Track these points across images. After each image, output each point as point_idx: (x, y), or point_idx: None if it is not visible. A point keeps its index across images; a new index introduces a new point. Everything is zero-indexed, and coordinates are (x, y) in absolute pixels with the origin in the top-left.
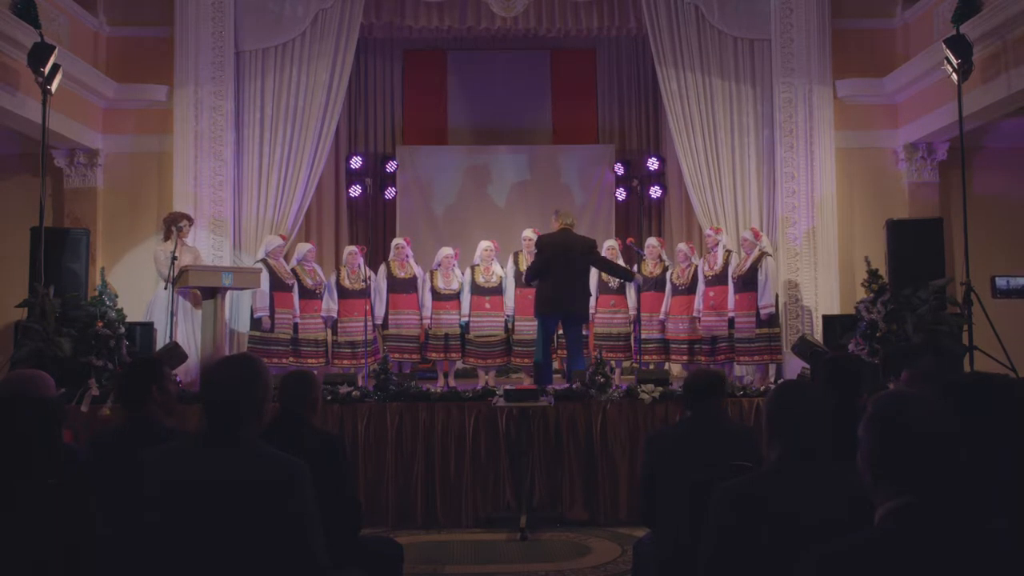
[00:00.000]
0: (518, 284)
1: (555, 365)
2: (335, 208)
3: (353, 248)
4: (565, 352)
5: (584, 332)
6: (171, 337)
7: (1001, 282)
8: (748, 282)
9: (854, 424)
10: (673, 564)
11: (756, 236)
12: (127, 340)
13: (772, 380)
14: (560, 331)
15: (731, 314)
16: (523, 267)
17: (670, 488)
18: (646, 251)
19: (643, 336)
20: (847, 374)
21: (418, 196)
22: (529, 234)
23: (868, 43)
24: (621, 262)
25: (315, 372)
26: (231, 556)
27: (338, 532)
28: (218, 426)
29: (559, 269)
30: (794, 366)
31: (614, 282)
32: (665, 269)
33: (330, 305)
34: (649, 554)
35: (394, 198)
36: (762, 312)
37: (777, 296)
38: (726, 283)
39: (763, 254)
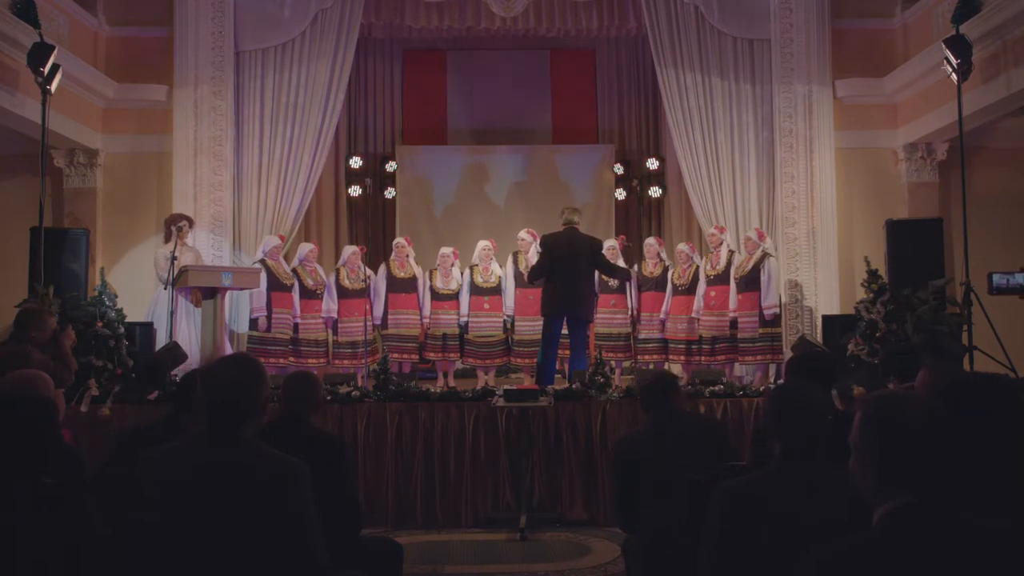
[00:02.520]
0: (518, 284)
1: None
2: (335, 208)
3: (353, 248)
4: (568, 352)
5: (585, 332)
6: (171, 337)
7: (999, 280)
8: (750, 282)
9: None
10: (662, 564)
11: (760, 237)
12: (127, 340)
13: (772, 380)
14: (563, 331)
15: (732, 314)
16: (523, 267)
17: (645, 490)
18: (645, 251)
19: (643, 336)
20: (816, 371)
21: (418, 196)
22: (524, 235)
23: (868, 43)
24: (621, 262)
25: (315, 372)
26: (231, 556)
27: (338, 532)
28: (218, 426)
29: (566, 270)
30: None
31: (614, 281)
32: (665, 269)
33: (330, 305)
34: (634, 553)
35: (394, 198)
36: (766, 312)
37: (780, 296)
38: (728, 283)
39: (765, 254)
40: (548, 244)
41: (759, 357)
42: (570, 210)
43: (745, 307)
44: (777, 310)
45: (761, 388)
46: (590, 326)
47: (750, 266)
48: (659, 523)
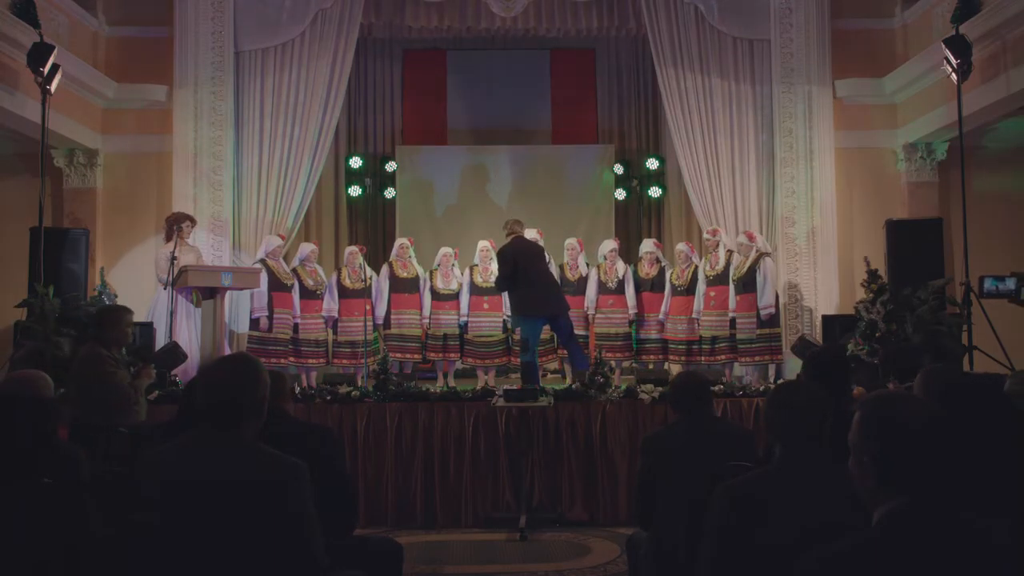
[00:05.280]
0: None
1: (555, 364)
2: (335, 208)
3: (354, 248)
4: (564, 351)
5: (585, 332)
6: (171, 337)
7: (991, 285)
8: (747, 283)
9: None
10: (672, 565)
11: (751, 239)
12: None
13: (772, 380)
14: (547, 332)
15: (732, 314)
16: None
17: (669, 489)
18: (642, 255)
19: (641, 336)
20: (834, 367)
21: (418, 196)
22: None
23: (868, 43)
24: (619, 263)
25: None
26: (231, 556)
27: (329, 524)
28: (218, 426)
29: (534, 273)
30: (794, 366)
31: (612, 282)
32: (661, 270)
33: (331, 305)
34: (645, 550)
35: (394, 198)
36: (762, 313)
37: (777, 296)
38: (727, 283)
39: (761, 255)
40: (510, 254)
41: (757, 358)
42: (513, 222)
43: (743, 308)
44: (773, 311)
45: (761, 388)
46: (590, 326)
47: (746, 267)
48: (674, 522)
